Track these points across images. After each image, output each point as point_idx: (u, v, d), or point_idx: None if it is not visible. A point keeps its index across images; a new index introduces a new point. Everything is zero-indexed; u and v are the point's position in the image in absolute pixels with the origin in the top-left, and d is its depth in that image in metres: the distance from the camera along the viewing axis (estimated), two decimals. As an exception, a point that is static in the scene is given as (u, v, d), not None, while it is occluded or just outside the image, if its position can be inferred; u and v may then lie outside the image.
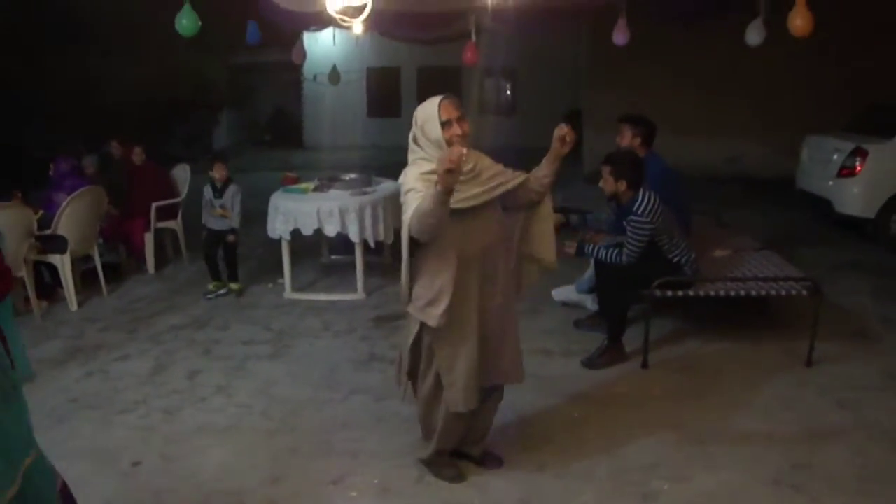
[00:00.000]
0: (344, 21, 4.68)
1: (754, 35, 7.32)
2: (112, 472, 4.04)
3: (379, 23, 8.70)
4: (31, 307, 6.62)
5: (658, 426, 4.38)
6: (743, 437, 4.27)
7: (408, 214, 3.38)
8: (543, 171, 3.72)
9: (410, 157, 3.58)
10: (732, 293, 5.40)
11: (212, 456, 4.17)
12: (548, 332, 5.93)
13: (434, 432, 3.85)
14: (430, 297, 3.52)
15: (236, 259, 7.35)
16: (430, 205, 3.18)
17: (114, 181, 7.90)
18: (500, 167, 3.66)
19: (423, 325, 3.60)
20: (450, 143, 3.39)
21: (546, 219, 3.88)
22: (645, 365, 5.21)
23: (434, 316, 3.49)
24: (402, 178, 3.54)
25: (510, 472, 3.94)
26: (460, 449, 4.02)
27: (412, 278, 3.60)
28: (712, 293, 5.37)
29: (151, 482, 3.93)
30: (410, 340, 3.71)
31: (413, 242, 3.46)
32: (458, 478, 3.91)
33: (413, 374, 3.84)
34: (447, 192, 3.13)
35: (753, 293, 5.44)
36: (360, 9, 4.25)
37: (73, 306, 6.88)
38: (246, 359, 5.59)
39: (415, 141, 3.56)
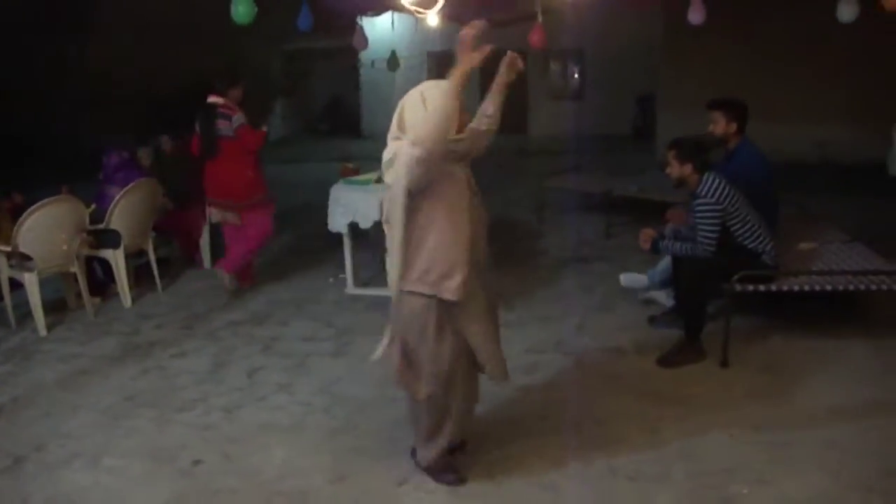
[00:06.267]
0: (419, 12, 4.80)
1: (847, 10, 7.18)
2: (171, 471, 4.17)
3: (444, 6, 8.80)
4: (83, 304, 6.82)
5: (738, 427, 4.38)
6: (830, 441, 4.22)
7: (402, 158, 3.35)
8: (490, 108, 3.66)
9: (394, 143, 3.52)
10: (818, 288, 5.38)
11: (274, 455, 4.29)
12: (621, 329, 5.96)
13: (440, 429, 3.77)
14: (444, 269, 3.39)
15: None
16: (449, 99, 3.26)
17: (167, 175, 8.08)
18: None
19: (436, 304, 3.47)
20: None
21: None
22: (725, 364, 5.20)
23: (451, 288, 3.38)
24: (390, 156, 3.49)
25: (581, 473, 3.98)
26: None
27: (408, 252, 3.44)
28: (797, 288, 5.35)
29: (212, 481, 4.05)
30: (417, 325, 3.53)
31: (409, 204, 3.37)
32: (462, 480, 3.88)
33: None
34: (467, 76, 3.25)
35: (841, 288, 5.41)
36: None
37: (127, 303, 7.06)
38: (307, 356, 5.71)
39: (400, 128, 3.51)
